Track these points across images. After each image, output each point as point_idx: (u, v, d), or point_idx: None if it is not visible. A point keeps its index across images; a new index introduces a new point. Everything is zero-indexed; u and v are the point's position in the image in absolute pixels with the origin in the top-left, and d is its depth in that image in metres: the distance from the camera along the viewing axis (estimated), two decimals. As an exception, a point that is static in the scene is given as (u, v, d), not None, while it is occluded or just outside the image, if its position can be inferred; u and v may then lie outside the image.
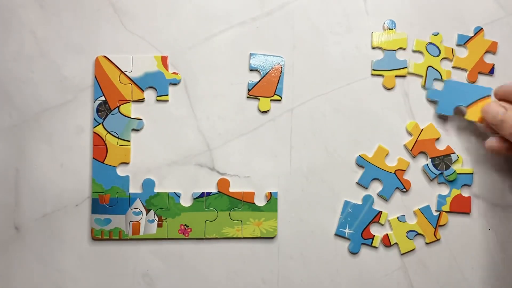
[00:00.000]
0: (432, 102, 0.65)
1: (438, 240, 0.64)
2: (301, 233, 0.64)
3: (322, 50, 0.66)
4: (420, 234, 0.64)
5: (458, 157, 0.65)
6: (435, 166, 0.65)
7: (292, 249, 0.64)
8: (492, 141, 0.59)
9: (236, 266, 0.63)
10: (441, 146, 0.65)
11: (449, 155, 0.65)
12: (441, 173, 0.64)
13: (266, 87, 0.64)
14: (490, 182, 0.66)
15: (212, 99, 0.64)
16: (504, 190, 0.66)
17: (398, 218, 0.64)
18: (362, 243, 0.63)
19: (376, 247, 0.63)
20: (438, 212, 0.64)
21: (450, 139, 0.66)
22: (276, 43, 0.66)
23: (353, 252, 0.63)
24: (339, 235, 0.63)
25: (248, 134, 0.64)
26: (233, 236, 0.62)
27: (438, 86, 0.65)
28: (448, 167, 0.65)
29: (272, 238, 0.63)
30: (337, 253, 0.64)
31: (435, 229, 0.64)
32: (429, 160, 0.65)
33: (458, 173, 0.64)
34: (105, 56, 0.63)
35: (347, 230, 0.63)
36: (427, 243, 0.64)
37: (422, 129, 0.65)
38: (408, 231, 0.64)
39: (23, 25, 0.64)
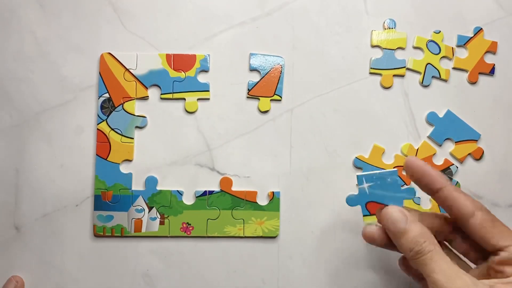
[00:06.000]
0: (429, 124, 0.68)
1: None
2: (301, 233, 0.66)
3: (322, 50, 0.68)
4: None
5: (457, 168, 0.67)
6: None
7: (292, 249, 0.65)
8: (373, 231, 0.52)
9: (236, 265, 0.65)
10: (438, 161, 0.67)
11: (448, 168, 0.67)
12: None
13: (266, 87, 0.66)
14: (490, 182, 0.68)
15: (212, 99, 0.66)
16: (504, 190, 0.68)
17: (413, 199, 0.65)
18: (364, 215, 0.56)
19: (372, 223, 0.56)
20: None
21: (444, 151, 0.68)
22: (276, 43, 0.68)
23: (348, 203, 0.55)
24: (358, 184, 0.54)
25: (248, 134, 0.66)
26: (235, 235, 0.64)
27: (440, 112, 0.68)
28: (450, 180, 0.67)
29: (274, 237, 0.65)
30: (337, 253, 0.66)
31: None
32: None
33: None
34: (109, 53, 0.65)
35: (365, 185, 0.54)
36: None
37: (418, 149, 0.67)
38: None
39: (23, 25, 0.66)
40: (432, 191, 0.50)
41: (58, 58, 0.66)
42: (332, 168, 0.66)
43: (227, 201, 0.65)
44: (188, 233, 0.64)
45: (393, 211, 0.49)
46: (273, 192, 0.65)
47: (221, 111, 0.66)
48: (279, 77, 0.67)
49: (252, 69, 0.67)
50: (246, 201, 0.65)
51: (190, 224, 0.64)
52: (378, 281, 0.66)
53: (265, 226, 0.65)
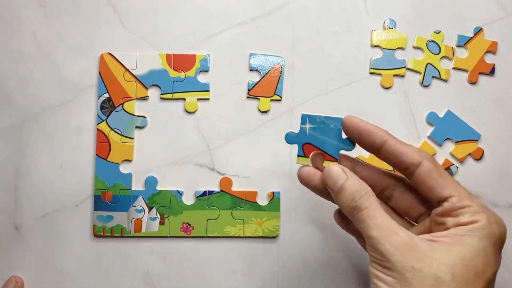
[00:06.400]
0: (430, 124, 0.68)
1: None
2: (301, 233, 0.66)
3: (322, 50, 0.68)
4: None
5: (457, 168, 0.67)
6: None
7: (292, 249, 0.65)
8: (307, 173, 0.51)
9: (236, 265, 0.65)
10: (438, 161, 0.66)
11: (448, 168, 0.67)
12: None
13: (266, 87, 0.67)
14: (490, 182, 0.68)
15: (212, 99, 0.66)
16: (504, 190, 0.68)
17: None
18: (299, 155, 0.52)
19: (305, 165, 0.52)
20: None
21: (445, 151, 0.68)
22: (276, 43, 0.68)
23: (286, 139, 0.51)
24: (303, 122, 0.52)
25: (248, 134, 0.66)
26: (235, 235, 0.65)
27: (440, 112, 0.68)
28: None
29: (274, 237, 0.65)
30: (337, 253, 0.66)
31: None
32: None
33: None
34: (109, 53, 0.65)
35: (307, 125, 0.52)
36: None
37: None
38: None
39: (23, 25, 0.66)
40: (375, 148, 0.48)
41: (58, 58, 0.66)
42: (332, 168, 0.66)
43: (227, 201, 0.65)
44: (188, 233, 0.64)
45: (334, 169, 0.48)
46: (273, 192, 0.65)
47: (221, 111, 0.66)
48: (279, 77, 0.67)
49: (252, 69, 0.67)
50: (246, 201, 0.65)
51: (190, 224, 0.64)
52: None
53: (265, 226, 0.65)
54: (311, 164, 0.51)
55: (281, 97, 0.67)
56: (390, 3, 0.69)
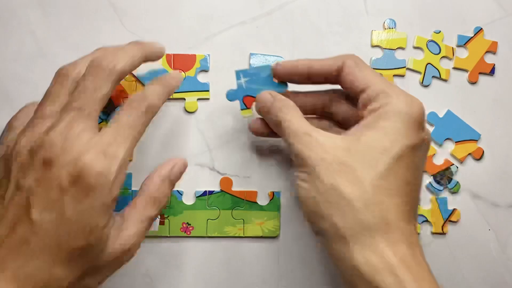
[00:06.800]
0: (429, 124, 0.68)
1: (444, 233, 0.66)
2: (301, 233, 0.66)
3: (322, 50, 0.68)
4: (428, 222, 0.66)
5: (457, 168, 0.67)
6: (437, 182, 0.67)
7: (292, 249, 0.65)
8: (256, 123, 0.59)
9: (236, 265, 0.65)
10: (438, 161, 0.67)
11: (448, 168, 0.67)
12: (446, 187, 0.67)
13: (266, 87, 0.67)
14: (490, 182, 0.68)
15: (212, 99, 0.66)
16: (504, 190, 0.68)
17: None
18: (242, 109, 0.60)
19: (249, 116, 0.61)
20: (453, 208, 0.66)
21: (445, 151, 0.68)
22: (276, 43, 0.68)
23: (228, 97, 0.61)
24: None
25: (248, 133, 0.66)
26: (235, 235, 0.64)
27: (440, 112, 0.68)
28: (450, 180, 0.67)
29: (275, 237, 0.65)
30: (337, 253, 0.66)
31: (445, 222, 0.66)
32: (431, 177, 0.67)
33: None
34: (110, 53, 0.65)
35: (242, 80, 0.60)
36: (432, 233, 0.66)
37: None
38: (419, 215, 0.65)
39: (23, 25, 0.66)
40: (305, 77, 0.55)
41: (58, 58, 0.66)
42: (332, 168, 0.66)
43: (227, 201, 0.65)
44: (188, 233, 0.64)
45: (262, 94, 0.56)
46: (273, 192, 0.65)
47: (221, 111, 0.66)
48: (279, 77, 0.67)
49: (252, 69, 0.67)
50: (246, 201, 0.65)
51: (190, 224, 0.64)
52: (378, 281, 0.65)
53: (265, 226, 0.65)
54: (254, 114, 0.59)
55: (281, 97, 0.67)
56: (390, 3, 0.69)
